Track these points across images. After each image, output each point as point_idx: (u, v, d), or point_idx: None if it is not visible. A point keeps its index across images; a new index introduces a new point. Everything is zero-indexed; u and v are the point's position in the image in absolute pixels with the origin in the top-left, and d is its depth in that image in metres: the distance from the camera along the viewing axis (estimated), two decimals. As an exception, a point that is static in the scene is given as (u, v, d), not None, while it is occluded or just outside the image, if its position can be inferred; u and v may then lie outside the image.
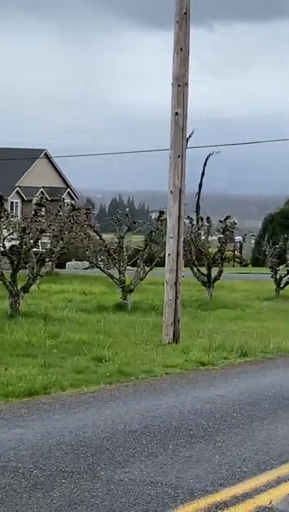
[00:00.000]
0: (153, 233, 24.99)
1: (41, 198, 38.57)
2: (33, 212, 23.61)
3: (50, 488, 6.72)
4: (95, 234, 25.13)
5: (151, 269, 23.13)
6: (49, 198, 43.06)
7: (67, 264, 42.27)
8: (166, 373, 12.81)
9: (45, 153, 66.15)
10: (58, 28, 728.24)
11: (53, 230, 21.86)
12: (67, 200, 43.57)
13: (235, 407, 10.31)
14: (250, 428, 9.16)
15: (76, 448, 8.01)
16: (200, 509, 6.34)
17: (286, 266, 30.26)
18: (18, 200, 60.59)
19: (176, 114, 16.17)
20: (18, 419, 9.31)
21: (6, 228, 20.42)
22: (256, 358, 14.79)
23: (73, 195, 59.99)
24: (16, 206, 56.27)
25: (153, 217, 31.86)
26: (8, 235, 20.31)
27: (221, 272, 26.82)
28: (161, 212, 25.02)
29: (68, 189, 63.66)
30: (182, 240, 16.63)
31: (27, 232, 19.70)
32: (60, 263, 40.00)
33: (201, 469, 7.41)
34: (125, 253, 23.99)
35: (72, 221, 23.52)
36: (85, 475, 7.13)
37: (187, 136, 16.47)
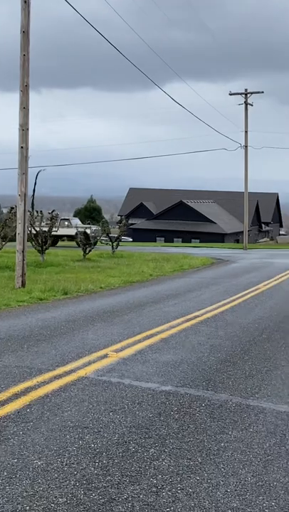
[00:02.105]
0: (7, 221, 24.80)
1: None
2: None
3: None
4: None
5: (6, 243, 22.91)
6: None
7: None
8: (18, 305, 12.97)
9: None
10: None
11: None
12: None
13: (62, 322, 10.70)
14: (72, 334, 9.58)
15: None
16: (45, 379, 6.78)
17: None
18: None
19: (22, 147, 16.17)
20: None
21: None
22: (73, 295, 15.09)
23: None
24: None
25: (5, 211, 31.38)
26: None
27: (49, 244, 26.88)
28: (12, 208, 24.83)
29: None
30: (26, 224, 16.70)
31: None
32: None
33: (44, 358, 7.82)
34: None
35: None
36: (-25, 364, 7.37)
37: (28, 160, 16.45)
